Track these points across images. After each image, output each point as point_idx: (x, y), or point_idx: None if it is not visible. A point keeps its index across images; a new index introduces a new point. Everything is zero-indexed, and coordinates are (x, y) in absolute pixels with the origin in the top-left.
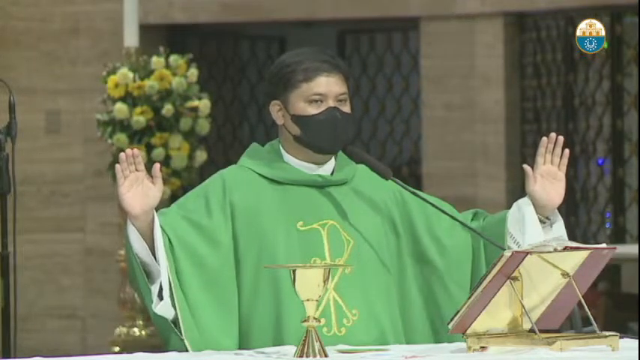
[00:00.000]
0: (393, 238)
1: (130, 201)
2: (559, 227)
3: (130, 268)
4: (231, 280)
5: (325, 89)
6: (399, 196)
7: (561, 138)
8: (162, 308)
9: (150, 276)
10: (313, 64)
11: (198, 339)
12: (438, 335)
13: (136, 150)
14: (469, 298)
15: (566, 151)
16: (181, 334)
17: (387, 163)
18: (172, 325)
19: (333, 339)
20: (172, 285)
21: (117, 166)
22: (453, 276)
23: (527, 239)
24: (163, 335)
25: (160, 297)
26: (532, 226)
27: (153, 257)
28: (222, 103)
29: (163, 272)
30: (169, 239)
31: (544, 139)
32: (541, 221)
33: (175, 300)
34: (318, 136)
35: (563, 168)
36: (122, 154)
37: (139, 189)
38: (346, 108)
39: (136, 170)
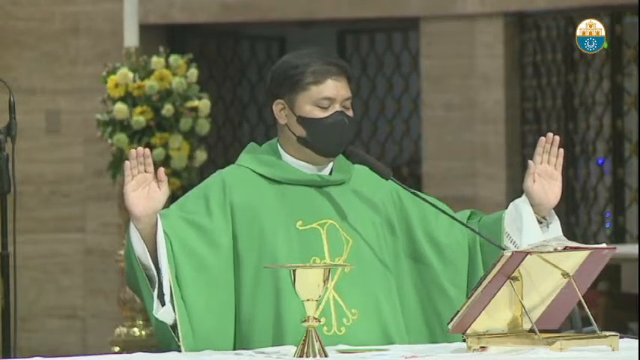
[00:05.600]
0: (391, 238)
1: (134, 200)
2: (556, 227)
3: (130, 270)
4: (230, 282)
5: (334, 93)
6: (395, 196)
7: (558, 137)
8: (164, 314)
9: (149, 280)
10: (322, 66)
11: (194, 346)
12: (434, 334)
13: (147, 150)
14: (469, 298)
15: (561, 150)
16: (178, 339)
17: (387, 163)
18: (171, 329)
19: (333, 338)
20: (173, 291)
21: (126, 163)
22: (449, 276)
23: (524, 238)
24: (163, 342)
25: (161, 302)
26: (530, 225)
27: (152, 261)
28: (222, 103)
29: (165, 278)
30: (170, 242)
31: (542, 138)
32: (538, 221)
33: (175, 306)
34: (325, 140)
35: (559, 168)
36: (132, 151)
37: (144, 190)
38: (350, 112)
39: (145, 171)
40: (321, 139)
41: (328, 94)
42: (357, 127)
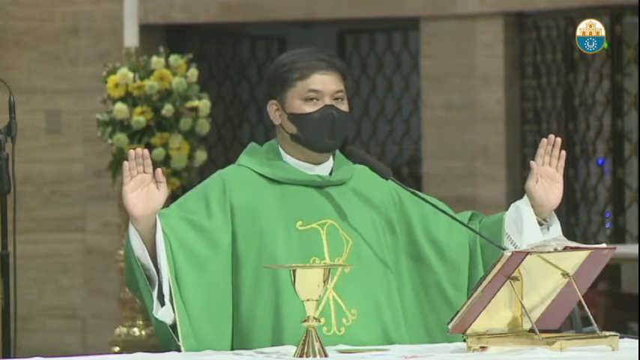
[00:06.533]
0: (391, 238)
1: (133, 201)
2: (556, 230)
3: (129, 271)
4: (229, 282)
5: (321, 86)
6: (396, 196)
7: (559, 139)
8: (164, 314)
9: (149, 280)
10: (309, 62)
11: (195, 347)
12: (434, 334)
13: (146, 151)
14: (469, 298)
15: (563, 152)
16: (178, 340)
17: (387, 163)
18: (171, 329)
19: (332, 339)
20: (172, 291)
21: (125, 163)
22: (448, 276)
23: (524, 239)
24: (163, 342)
25: (161, 302)
26: (530, 226)
27: (151, 262)
28: (222, 103)
29: (164, 278)
30: (170, 242)
31: (544, 140)
32: (539, 223)
33: (175, 307)
34: (314, 134)
35: (561, 170)
36: (131, 152)
37: (143, 191)
38: (343, 106)
39: (144, 172)
40: (311, 134)
41: (314, 87)
42: (351, 120)
